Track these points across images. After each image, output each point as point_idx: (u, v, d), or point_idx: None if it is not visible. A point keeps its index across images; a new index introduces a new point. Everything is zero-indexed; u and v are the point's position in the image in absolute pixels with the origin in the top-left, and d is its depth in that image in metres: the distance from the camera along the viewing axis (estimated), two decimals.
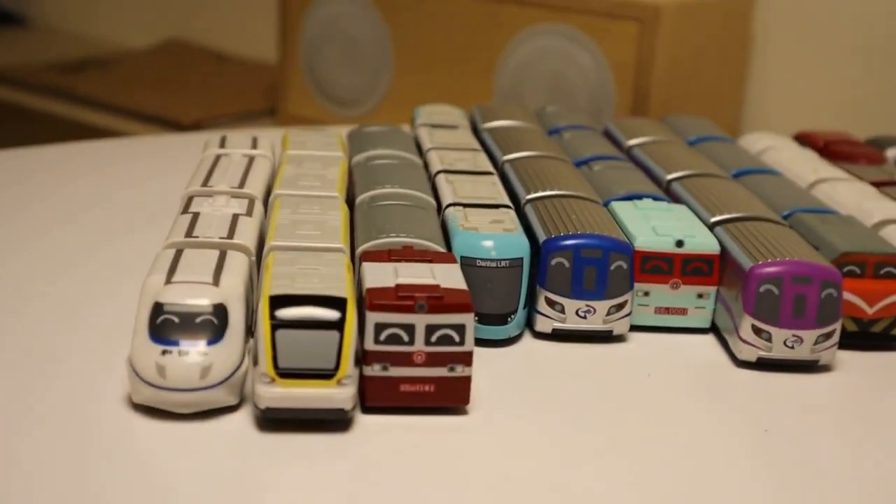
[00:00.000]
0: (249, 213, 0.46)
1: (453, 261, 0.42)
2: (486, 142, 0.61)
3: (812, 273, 0.43)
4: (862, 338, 0.46)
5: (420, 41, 1.02)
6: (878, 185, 0.58)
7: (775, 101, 1.13)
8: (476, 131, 0.64)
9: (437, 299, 0.37)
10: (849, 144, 0.65)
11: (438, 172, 0.53)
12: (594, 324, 0.45)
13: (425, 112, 0.66)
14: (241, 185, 0.49)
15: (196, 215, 0.45)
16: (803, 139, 0.67)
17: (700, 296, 0.46)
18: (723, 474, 0.37)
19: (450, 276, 0.39)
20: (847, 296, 0.45)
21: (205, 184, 0.49)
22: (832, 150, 0.64)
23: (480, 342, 0.44)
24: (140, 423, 0.37)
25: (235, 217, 0.45)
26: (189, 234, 0.43)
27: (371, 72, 1.09)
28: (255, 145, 0.56)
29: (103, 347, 0.41)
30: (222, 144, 0.56)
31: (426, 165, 0.56)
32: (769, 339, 0.43)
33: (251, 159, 0.53)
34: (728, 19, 1.03)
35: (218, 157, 0.53)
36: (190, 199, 0.47)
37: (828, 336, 0.43)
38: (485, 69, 1.00)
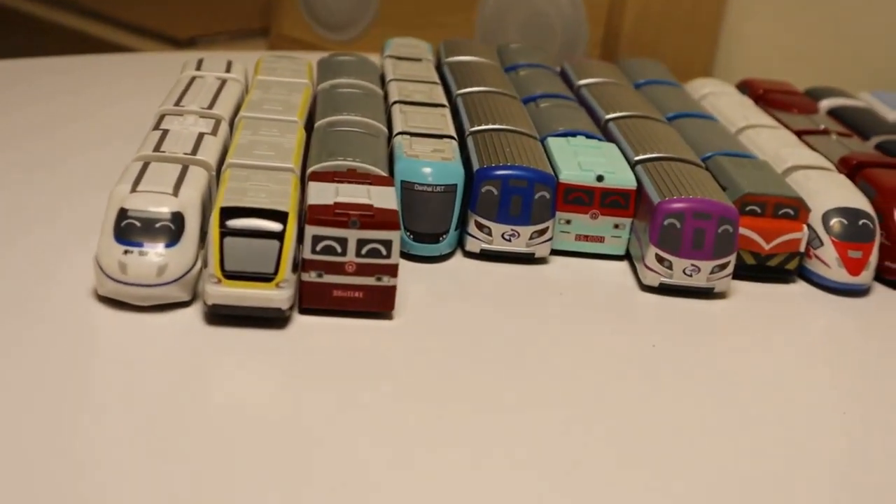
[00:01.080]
0: (214, 132, 0.51)
1: (390, 184, 0.47)
2: (445, 76, 0.66)
3: (711, 210, 0.48)
4: (759, 270, 0.51)
5: None
6: (801, 133, 0.62)
7: (749, 45, 1.17)
8: (439, 65, 0.69)
9: (368, 217, 0.43)
10: (785, 94, 0.70)
11: (395, 103, 0.58)
12: (518, 246, 0.50)
13: (395, 44, 0.70)
14: (211, 106, 0.54)
15: (165, 132, 0.50)
16: (745, 86, 0.72)
17: (616, 226, 0.52)
18: (606, 379, 0.42)
19: (384, 198, 0.45)
20: (747, 232, 0.50)
21: (177, 103, 0.54)
22: (769, 98, 0.69)
23: (415, 258, 0.50)
24: (103, 312, 0.42)
25: (201, 135, 0.50)
26: (157, 148, 0.48)
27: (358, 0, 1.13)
28: (228, 69, 0.61)
29: (72, 246, 0.47)
30: (199, 67, 0.60)
31: (386, 95, 0.61)
32: (670, 267, 0.48)
33: (223, 82, 0.58)
34: None
35: (193, 79, 0.58)
36: (162, 117, 0.52)
37: (722, 267, 0.49)
38: (466, 4, 1.04)
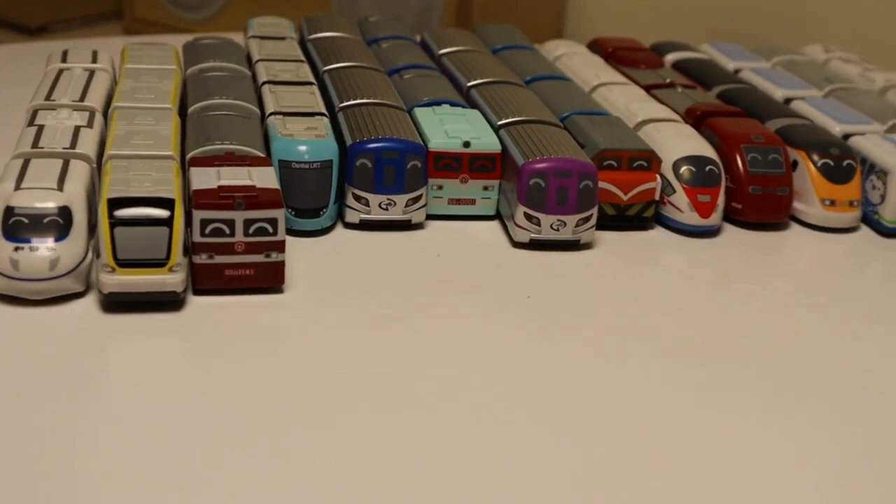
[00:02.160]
0: (90, 124, 0.52)
1: (269, 164, 0.49)
2: (310, 53, 0.68)
3: (572, 168, 0.52)
4: (619, 220, 0.55)
5: None
6: (649, 87, 0.67)
7: (595, 4, 1.21)
8: (303, 42, 0.70)
9: (252, 198, 0.45)
10: (632, 51, 0.74)
11: (264, 83, 0.60)
12: (395, 214, 0.53)
13: (257, 23, 0.72)
14: (83, 98, 0.55)
15: (41, 127, 0.50)
16: (595, 46, 0.76)
17: (486, 188, 0.55)
18: (487, 328, 0.45)
19: (265, 178, 0.47)
20: (606, 185, 0.54)
21: (48, 97, 0.54)
22: (617, 55, 0.73)
23: (298, 233, 0.52)
24: None
25: (77, 129, 0.51)
26: (35, 145, 0.48)
27: None
28: (95, 59, 0.61)
29: None
30: (64, 58, 0.61)
31: (254, 76, 0.63)
32: (538, 224, 0.52)
33: (91, 73, 0.59)
34: None
35: (60, 71, 0.58)
36: (35, 112, 0.52)
37: (586, 220, 0.52)
38: None
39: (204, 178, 0.46)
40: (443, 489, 0.35)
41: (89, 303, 0.44)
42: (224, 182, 0.45)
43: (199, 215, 0.44)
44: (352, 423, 0.38)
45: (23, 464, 0.35)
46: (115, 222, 0.43)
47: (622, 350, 0.45)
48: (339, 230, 0.53)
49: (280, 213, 0.45)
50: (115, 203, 0.43)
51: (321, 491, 0.34)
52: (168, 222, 0.43)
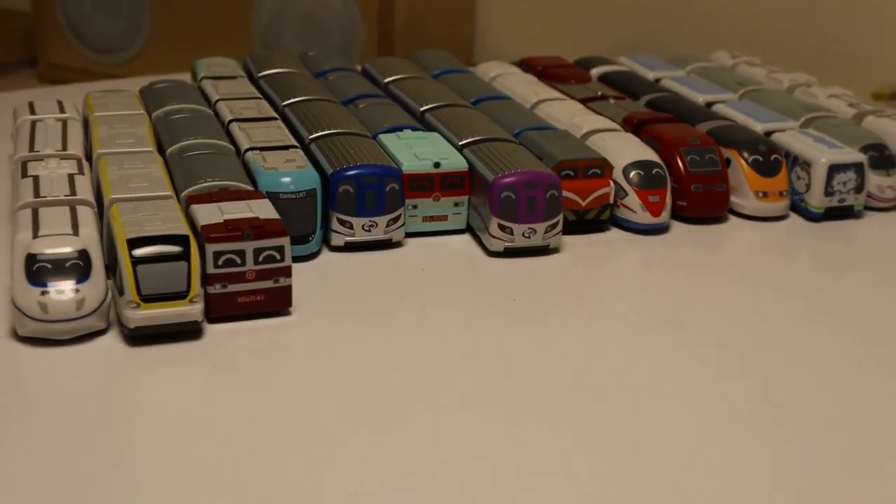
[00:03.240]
0: (80, 171, 0.54)
1: (262, 197, 0.52)
2: (263, 89, 0.71)
3: (538, 180, 0.56)
4: (579, 224, 0.60)
5: None
6: (584, 101, 0.72)
7: (499, 27, 1.27)
8: (252, 79, 0.73)
9: (259, 228, 0.48)
10: (560, 67, 0.79)
11: (231, 121, 0.63)
12: (377, 235, 0.57)
13: (205, 65, 0.75)
14: (64, 147, 0.57)
15: (36, 178, 0.52)
16: (525, 65, 0.81)
17: (456, 204, 0.59)
18: (481, 334, 0.49)
19: (264, 209, 0.50)
20: (566, 194, 0.59)
21: (31, 149, 0.57)
22: (547, 73, 0.78)
23: None
24: (27, 351, 0.45)
25: (71, 176, 0.53)
26: (37, 194, 0.51)
27: (129, 18, 1.15)
28: (62, 109, 0.63)
29: None
30: (32, 111, 0.63)
31: (216, 115, 0.66)
32: (511, 233, 0.56)
33: (64, 122, 0.61)
34: None
35: (34, 123, 0.60)
36: (24, 164, 0.54)
37: (553, 226, 0.57)
38: (241, 11, 1.08)
39: (208, 214, 0.49)
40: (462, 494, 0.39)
41: (113, 339, 0.47)
42: (229, 216, 0.49)
43: (212, 248, 0.47)
44: (374, 430, 0.42)
45: (68, 480, 0.37)
46: (136, 261, 0.45)
47: (607, 334, 0.49)
48: (325, 253, 0.57)
49: (286, 241, 0.48)
50: (134, 243, 0.46)
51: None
52: (186, 257, 0.46)
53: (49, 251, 0.46)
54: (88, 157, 0.58)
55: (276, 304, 0.49)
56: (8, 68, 1.23)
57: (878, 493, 0.39)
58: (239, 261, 0.48)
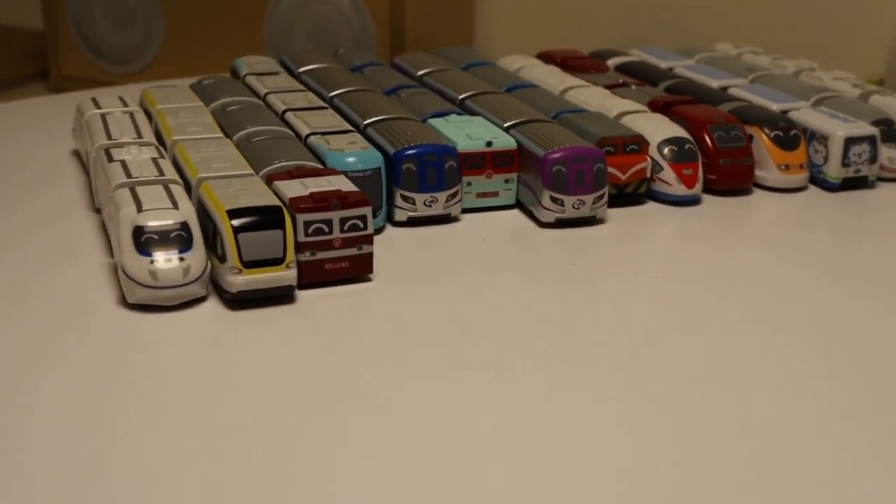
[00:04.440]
0: (161, 155, 0.57)
1: (338, 173, 0.56)
2: (307, 83, 0.75)
3: (586, 154, 0.60)
4: (620, 197, 0.64)
5: None
6: (609, 87, 0.76)
7: (499, 28, 1.32)
8: (293, 75, 0.77)
9: (343, 198, 0.52)
10: (580, 59, 0.84)
11: (286, 111, 0.67)
12: (437, 210, 0.60)
13: (245, 63, 0.78)
14: (139, 135, 0.60)
15: (123, 161, 0.56)
16: (545, 57, 0.85)
17: (507, 181, 0.63)
18: (538, 294, 0.53)
19: (343, 183, 0.54)
20: (608, 169, 0.63)
21: (109, 138, 0.60)
22: (569, 64, 0.82)
23: None
24: (138, 316, 0.49)
25: (155, 160, 0.56)
26: (129, 176, 0.54)
27: (142, 28, 1.17)
28: (124, 103, 0.67)
29: (75, 280, 0.52)
30: (97, 105, 0.66)
31: (268, 105, 0.69)
32: (562, 205, 0.60)
33: (131, 114, 0.64)
34: None
35: (104, 116, 0.64)
36: (108, 151, 0.58)
37: (601, 198, 0.61)
38: (252, 18, 1.12)
39: (294, 188, 0.53)
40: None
41: (213, 303, 0.50)
42: (314, 189, 0.52)
43: (303, 218, 0.51)
44: (439, 385, 0.45)
45: (188, 438, 0.41)
46: (237, 229, 0.49)
47: (660, 294, 0.53)
48: (390, 228, 0.60)
49: (368, 210, 0.52)
50: (233, 214, 0.49)
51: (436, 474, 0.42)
52: (281, 225, 0.50)
53: (154, 223, 0.49)
54: (160, 143, 0.62)
55: (359, 270, 0.53)
56: (20, 82, 1.25)
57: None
58: (326, 230, 0.51)
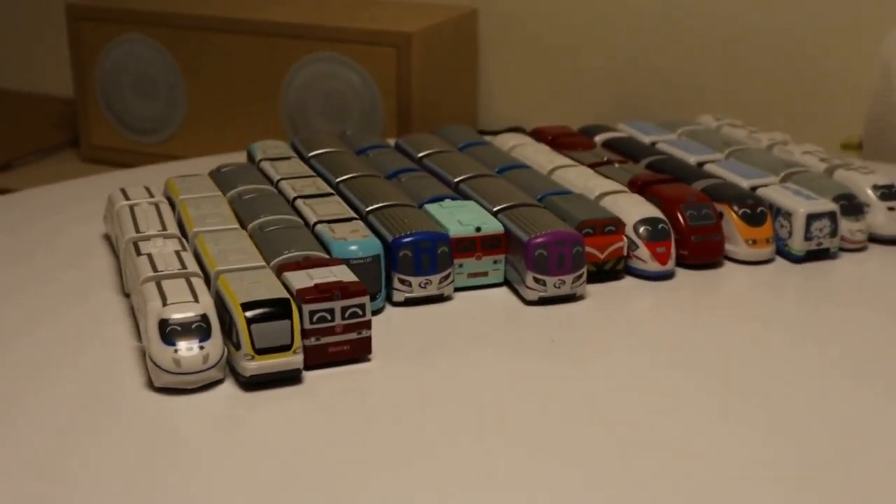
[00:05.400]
0: (183, 248, 0.64)
1: (341, 263, 0.62)
2: (315, 167, 0.82)
3: (565, 238, 0.67)
4: (599, 275, 0.71)
5: (208, 73, 1.19)
6: (593, 166, 0.83)
7: (499, 96, 1.39)
8: (303, 159, 0.84)
9: (345, 289, 0.58)
10: (568, 136, 0.90)
11: (296, 198, 0.74)
12: (431, 291, 0.67)
13: (260, 148, 0.85)
14: (164, 228, 0.67)
15: (150, 255, 0.63)
16: (536, 134, 0.92)
17: (495, 261, 0.69)
18: (521, 369, 0.60)
19: (345, 274, 0.60)
20: (588, 249, 0.69)
21: (137, 231, 0.67)
22: (557, 141, 0.89)
23: None
24: (163, 399, 0.55)
25: (178, 253, 0.63)
26: (155, 269, 0.61)
27: (166, 103, 1.25)
28: (150, 193, 0.74)
29: (106, 362, 0.59)
30: (126, 196, 0.73)
31: (280, 192, 0.76)
32: (544, 284, 0.67)
33: (156, 206, 0.71)
34: (459, 35, 1.27)
35: (132, 208, 0.71)
36: (136, 244, 0.65)
37: (579, 277, 0.67)
38: (269, 94, 1.19)
39: (301, 280, 0.59)
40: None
41: (230, 386, 0.57)
42: (318, 281, 0.59)
43: (308, 308, 0.58)
44: (441, 456, 0.52)
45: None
46: (250, 320, 0.56)
47: (630, 369, 0.60)
48: (389, 308, 0.67)
49: (366, 299, 0.59)
50: (247, 306, 0.56)
51: None
52: (289, 316, 0.56)
53: (178, 316, 0.56)
54: (182, 233, 0.69)
55: (359, 351, 0.59)
56: (53, 149, 1.33)
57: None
58: (329, 317, 0.58)
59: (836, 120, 1.29)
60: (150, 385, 0.56)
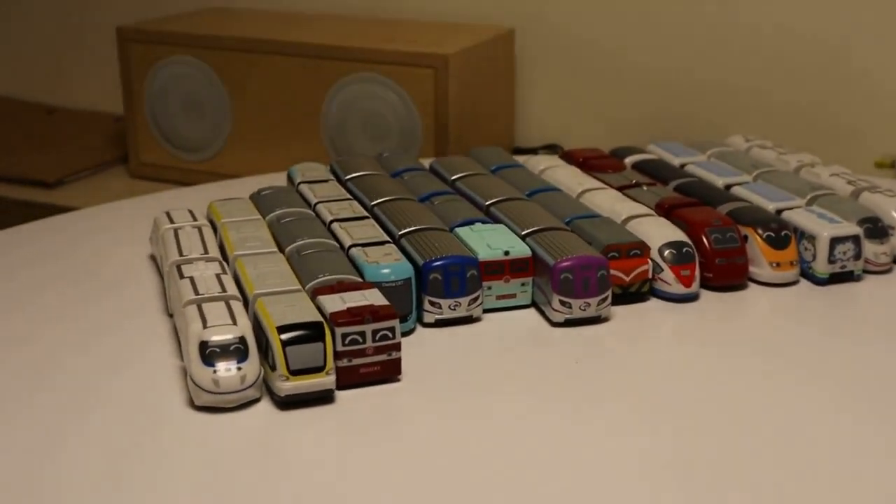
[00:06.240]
0: (224, 271, 0.67)
1: (373, 287, 0.65)
2: (352, 190, 0.84)
3: (591, 262, 0.69)
4: (625, 297, 0.73)
5: (253, 94, 1.23)
6: (621, 188, 0.85)
7: (536, 115, 1.41)
8: (340, 181, 0.87)
9: (375, 313, 0.61)
10: (598, 158, 0.92)
11: (332, 221, 0.77)
12: (461, 312, 0.70)
13: (300, 171, 0.88)
14: (206, 251, 0.71)
15: (192, 279, 0.66)
16: (567, 157, 0.94)
17: (523, 284, 0.72)
18: (547, 390, 0.62)
19: (376, 297, 0.63)
20: (613, 272, 0.72)
21: (180, 254, 0.70)
22: (588, 164, 0.91)
23: None
24: (204, 417, 0.58)
25: (218, 276, 0.66)
26: (196, 292, 0.64)
27: (212, 122, 1.29)
28: (193, 217, 0.77)
29: (150, 381, 0.62)
30: (171, 220, 0.76)
31: (317, 215, 0.79)
32: (570, 307, 0.69)
33: (199, 229, 0.75)
34: (497, 55, 1.30)
35: (176, 231, 0.74)
36: (179, 267, 0.68)
37: (604, 300, 0.70)
38: (311, 113, 1.22)
39: (334, 303, 0.62)
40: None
41: (266, 405, 0.60)
42: (350, 305, 0.62)
43: (340, 331, 0.60)
44: (474, 476, 0.54)
45: None
46: (285, 343, 0.59)
47: (660, 388, 0.62)
48: (420, 329, 0.70)
49: (396, 322, 0.61)
50: (282, 329, 0.59)
51: None
52: (322, 338, 0.59)
53: (217, 338, 0.59)
54: (223, 255, 0.72)
55: (389, 372, 0.62)
56: (104, 166, 1.38)
57: None
58: (361, 340, 0.61)
59: (873, 138, 1.30)
60: (192, 404, 0.59)
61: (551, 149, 0.96)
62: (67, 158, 1.37)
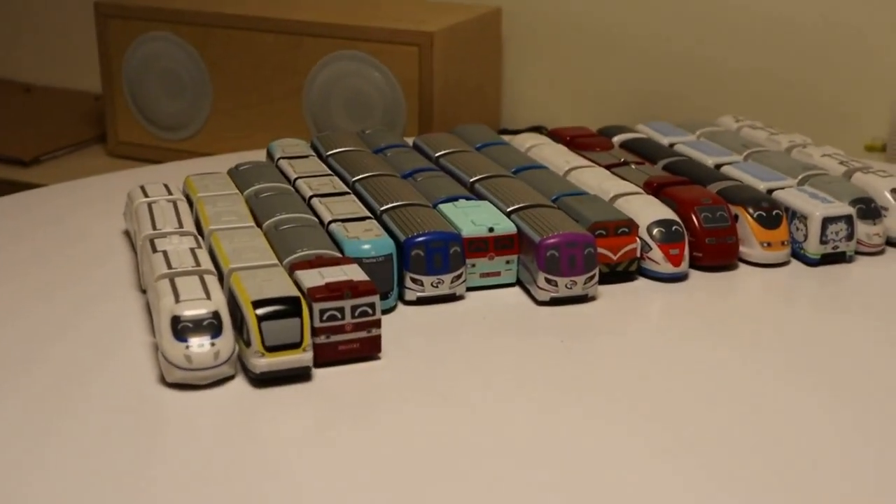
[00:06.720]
0: (199, 245, 0.65)
1: (352, 262, 0.63)
2: (333, 166, 0.82)
3: (577, 240, 0.67)
4: (612, 275, 0.71)
5: (233, 71, 1.20)
6: (609, 167, 0.83)
7: (522, 95, 1.39)
8: (321, 157, 0.85)
9: (355, 288, 0.59)
10: (586, 137, 0.90)
11: (312, 197, 0.74)
12: (443, 290, 0.67)
13: (279, 146, 0.86)
14: (180, 225, 0.68)
15: (165, 252, 0.64)
16: (554, 135, 0.92)
17: (507, 262, 0.70)
18: (530, 369, 0.60)
19: (356, 273, 0.61)
20: (600, 250, 0.70)
21: (154, 228, 0.68)
22: (575, 142, 0.89)
23: None
24: (174, 395, 0.56)
25: (192, 250, 0.64)
26: (169, 266, 0.62)
27: (191, 100, 1.26)
28: (169, 191, 0.75)
29: (121, 358, 0.60)
30: (145, 194, 0.74)
31: (297, 191, 0.77)
32: (556, 285, 0.67)
33: (174, 203, 0.72)
34: (483, 34, 1.27)
35: (150, 205, 0.72)
36: (152, 241, 0.66)
37: (591, 278, 0.68)
38: (293, 91, 1.20)
39: (312, 278, 0.60)
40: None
41: (240, 383, 0.58)
42: (329, 280, 0.60)
43: (318, 306, 0.58)
44: (443, 441, 0.52)
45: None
46: (261, 318, 0.56)
47: (645, 369, 0.60)
48: (401, 307, 0.68)
49: (376, 298, 0.59)
50: (258, 304, 0.57)
51: None
52: (299, 314, 0.57)
53: (189, 313, 0.57)
54: (198, 230, 0.70)
55: (369, 350, 0.60)
56: (81, 145, 1.35)
57: None
58: (339, 316, 0.59)
59: (864, 121, 1.29)
60: (164, 381, 0.57)
61: (537, 131, 0.94)
62: (44, 137, 1.35)
